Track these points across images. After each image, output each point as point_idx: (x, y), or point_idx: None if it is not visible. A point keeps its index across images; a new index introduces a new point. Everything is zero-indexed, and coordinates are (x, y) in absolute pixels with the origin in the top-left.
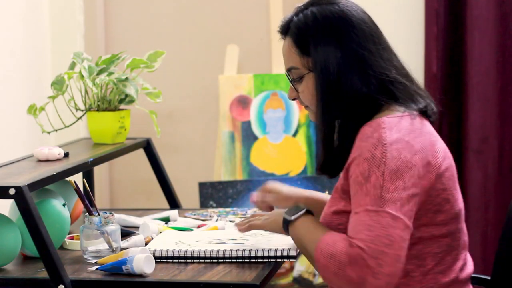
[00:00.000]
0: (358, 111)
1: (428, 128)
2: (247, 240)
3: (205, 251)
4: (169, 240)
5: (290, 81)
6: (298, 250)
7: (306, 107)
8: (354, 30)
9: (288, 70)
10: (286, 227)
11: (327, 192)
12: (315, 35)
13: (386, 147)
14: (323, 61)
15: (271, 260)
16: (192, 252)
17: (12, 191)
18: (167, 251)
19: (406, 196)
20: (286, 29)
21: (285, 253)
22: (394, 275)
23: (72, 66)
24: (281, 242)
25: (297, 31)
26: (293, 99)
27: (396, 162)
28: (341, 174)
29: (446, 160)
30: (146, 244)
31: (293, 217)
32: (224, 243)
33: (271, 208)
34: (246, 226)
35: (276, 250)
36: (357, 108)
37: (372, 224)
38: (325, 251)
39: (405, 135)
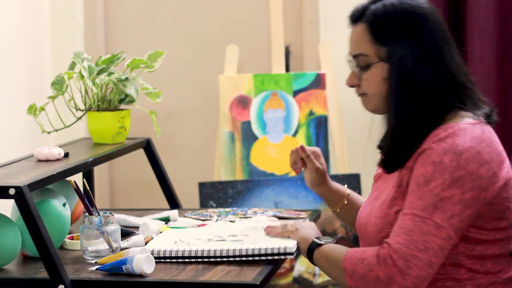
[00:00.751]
0: (428, 110)
1: (496, 137)
2: (247, 236)
3: (203, 251)
4: (169, 239)
5: (356, 67)
6: (297, 247)
7: (361, 94)
8: (432, 28)
9: (355, 56)
10: (312, 248)
11: (346, 185)
12: (394, 27)
13: (456, 155)
14: (401, 54)
15: (271, 257)
16: (190, 251)
17: (12, 191)
18: (165, 251)
19: (459, 208)
20: (360, 15)
21: (284, 251)
22: (423, 279)
23: (72, 66)
24: (281, 239)
25: (375, 19)
26: (351, 86)
27: (461, 172)
28: (403, 172)
29: (511, 170)
30: (146, 244)
31: (323, 241)
32: (224, 240)
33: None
34: (279, 232)
35: (274, 248)
36: (427, 106)
37: (413, 229)
38: (353, 257)
39: (477, 145)
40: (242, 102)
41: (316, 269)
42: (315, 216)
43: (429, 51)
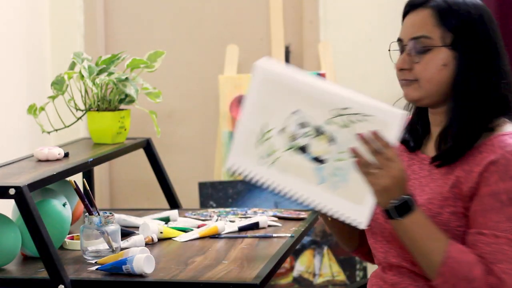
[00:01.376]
0: (487, 107)
1: None
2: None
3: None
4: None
5: (411, 52)
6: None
7: (410, 81)
8: (494, 30)
9: (414, 39)
10: (410, 204)
11: None
12: (463, 17)
13: None
14: (472, 44)
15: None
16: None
17: (12, 191)
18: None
19: None
20: (423, 2)
21: (354, 223)
22: None
23: (72, 66)
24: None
25: (444, 5)
26: (400, 70)
27: None
28: (460, 173)
29: None
30: (146, 244)
31: (404, 218)
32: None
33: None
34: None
35: (344, 216)
36: (486, 104)
37: None
38: (457, 270)
39: None
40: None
41: (316, 269)
42: (315, 216)
43: (492, 48)
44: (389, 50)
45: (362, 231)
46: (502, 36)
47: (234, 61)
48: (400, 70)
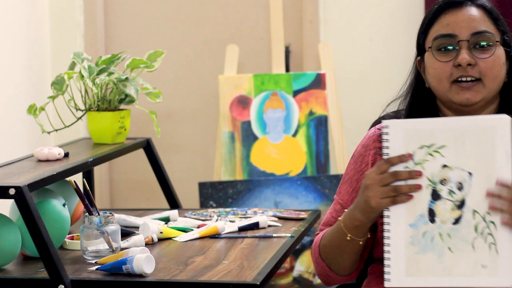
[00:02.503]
0: None
1: None
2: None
3: None
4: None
5: (472, 47)
6: None
7: (473, 81)
8: None
9: (478, 33)
10: None
11: None
12: (500, 16)
13: None
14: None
15: None
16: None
17: (12, 191)
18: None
19: None
20: (471, 0)
21: None
22: None
23: (72, 66)
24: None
25: (489, 4)
26: (468, 64)
27: None
28: None
29: None
30: (146, 244)
31: None
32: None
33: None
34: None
35: None
36: None
37: None
38: None
39: None
40: (242, 102)
41: None
42: (314, 216)
43: None
44: (418, 60)
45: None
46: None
47: (234, 61)
48: (468, 65)
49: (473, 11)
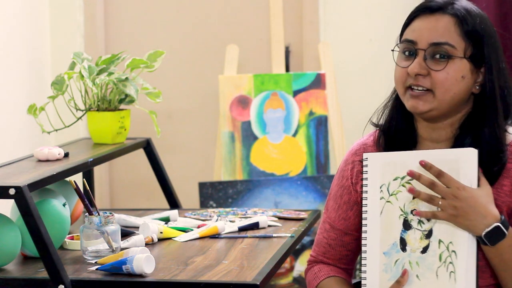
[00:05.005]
0: (506, 115)
1: None
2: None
3: None
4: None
5: (428, 58)
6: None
7: (423, 91)
8: (497, 38)
9: (436, 44)
10: (482, 241)
11: None
12: (482, 29)
13: None
14: (495, 59)
15: None
16: None
17: (12, 191)
18: None
19: None
20: (442, 6)
21: None
22: None
23: (72, 66)
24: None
25: (467, 15)
26: (416, 75)
27: None
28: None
29: None
30: (146, 244)
31: (496, 245)
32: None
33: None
34: (429, 213)
35: None
36: (506, 112)
37: None
38: None
39: None
40: (242, 102)
41: None
42: (314, 216)
43: (502, 61)
44: (392, 50)
45: None
46: (501, 36)
47: (234, 61)
48: (416, 75)
49: (442, 20)
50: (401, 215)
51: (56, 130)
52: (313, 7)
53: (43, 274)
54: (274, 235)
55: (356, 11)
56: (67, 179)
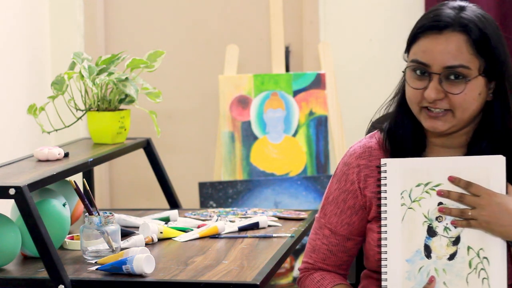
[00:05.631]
0: None
1: None
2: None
3: None
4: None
5: (443, 80)
6: None
7: (444, 111)
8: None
9: (451, 68)
10: None
11: None
12: (492, 39)
13: None
14: (504, 61)
15: None
16: None
17: (12, 191)
18: None
19: None
20: (450, 23)
21: None
22: None
23: (72, 66)
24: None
25: (476, 28)
26: (433, 101)
27: None
28: None
29: None
30: (146, 244)
31: None
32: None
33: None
34: (464, 222)
35: None
36: None
37: None
38: None
39: None
40: (242, 102)
41: None
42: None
43: (508, 56)
44: (403, 72)
45: None
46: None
47: (234, 61)
48: (438, 100)
49: (453, 40)
50: (425, 221)
51: (56, 130)
52: (313, 7)
53: (43, 274)
54: (274, 235)
55: (356, 11)
56: (67, 179)
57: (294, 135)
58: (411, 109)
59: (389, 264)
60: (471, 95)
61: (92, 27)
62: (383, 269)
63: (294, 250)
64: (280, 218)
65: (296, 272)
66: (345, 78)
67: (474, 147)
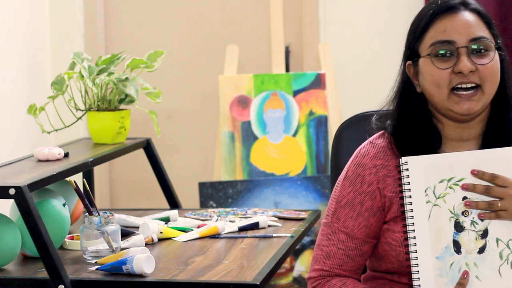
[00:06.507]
0: None
1: None
2: None
3: None
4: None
5: (471, 53)
6: None
7: (474, 88)
8: None
9: (476, 40)
10: None
11: None
12: (492, 21)
13: None
14: (503, 46)
15: None
16: None
17: (12, 191)
18: None
19: None
20: (463, 3)
21: None
22: None
23: (72, 66)
24: None
25: (483, 10)
26: (468, 74)
27: None
28: None
29: None
30: (146, 244)
31: None
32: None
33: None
34: (493, 214)
35: None
36: None
37: None
38: None
39: None
40: (242, 102)
41: None
42: (314, 216)
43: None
44: (416, 59)
45: None
46: (501, 36)
47: (234, 61)
48: (470, 72)
49: (468, 15)
50: (452, 217)
51: (56, 130)
52: (313, 7)
53: (43, 274)
54: (274, 235)
55: (356, 11)
56: (67, 179)
57: (294, 135)
58: (436, 97)
59: (420, 263)
60: (497, 66)
61: (92, 27)
62: (413, 269)
63: (294, 250)
64: (280, 218)
65: (296, 272)
66: (345, 78)
67: (487, 138)
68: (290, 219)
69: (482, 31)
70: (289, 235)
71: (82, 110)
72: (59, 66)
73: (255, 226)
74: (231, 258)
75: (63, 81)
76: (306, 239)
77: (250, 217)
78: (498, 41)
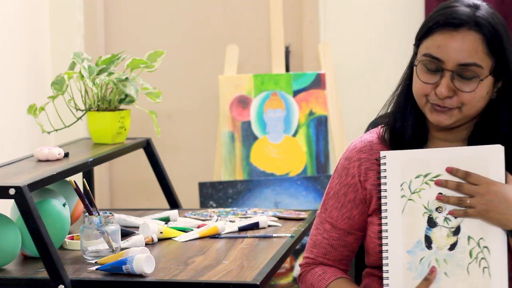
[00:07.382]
0: None
1: None
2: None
3: None
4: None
5: (455, 77)
6: None
7: (451, 109)
8: None
9: (465, 65)
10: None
11: None
12: (504, 39)
13: None
14: (509, 67)
15: None
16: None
17: (12, 191)
18: None
19: None
20: (465, 21)
21: None
22: None
23: (72, 66)
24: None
25: (491, 28)
26: (443, 98)
27: None
28: None
29: None
30: (146, 244)
31: None
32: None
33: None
34: (461, 212)
35: None
36: None
37: None
38: None
39: None
40: (242, 102)
41: None
42: (314, 216)
43: None
44: (414, 65)
45: None
46: None
47: (234, 61)
48: (447, 98)
49: (469, 38)
50: (425, 213)
51: (56, 130)
52: (313, 7)
53: (43, 274)
54: (274, 235)
55: (356, 11)
56: (67, 179)
57: (294, 135)
58: (417, 101)
59: (390, 256)
60: (480, 93)
61: (92, 27)
62: (384, 261)
63: (294, 250)
64: (280, 218)
65: (296, 272)
66: (345, 78)
67: (473, 141)
68: (290, 219)
69: (476, 57)
70: (289, 235)
71: (82, 110)
72: (59, 66)
73: (255, 226)
74: (231, 258)
75: (63, 81)
76: (306, 239)
77: (250, 217)
78: (499, 64)
